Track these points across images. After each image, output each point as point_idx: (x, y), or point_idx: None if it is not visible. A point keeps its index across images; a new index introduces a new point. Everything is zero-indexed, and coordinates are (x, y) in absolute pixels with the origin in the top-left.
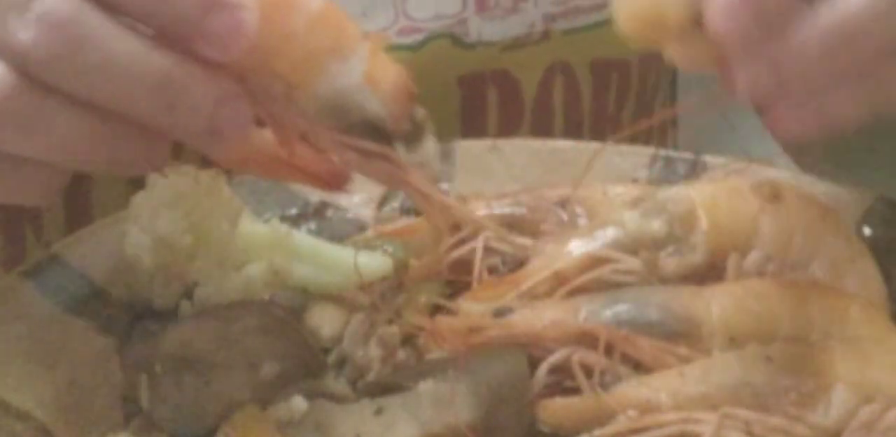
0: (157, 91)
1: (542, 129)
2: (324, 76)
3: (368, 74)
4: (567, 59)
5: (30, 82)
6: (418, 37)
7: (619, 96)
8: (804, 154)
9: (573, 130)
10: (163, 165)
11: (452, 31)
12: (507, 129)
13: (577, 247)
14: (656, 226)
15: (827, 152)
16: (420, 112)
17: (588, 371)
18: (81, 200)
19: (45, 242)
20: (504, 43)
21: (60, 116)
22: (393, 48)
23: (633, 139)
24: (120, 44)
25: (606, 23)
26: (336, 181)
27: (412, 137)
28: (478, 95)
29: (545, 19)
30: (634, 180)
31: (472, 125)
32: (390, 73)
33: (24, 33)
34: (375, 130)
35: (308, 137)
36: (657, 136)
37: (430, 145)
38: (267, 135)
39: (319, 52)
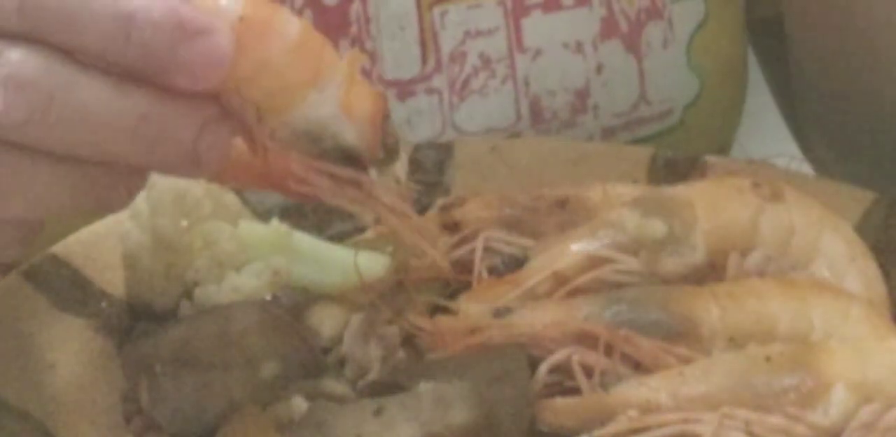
0: (136, 134)
1: None
2: (299, 106)
3: (344, 102)
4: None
5: (3, 146)
6: None
7: None
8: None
9: None
10: (138, 192)
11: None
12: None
13: (577, 247)
14: (656, 226)
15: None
16: (393, 132)
17: (588, 371)
18: None
19: None
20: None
21: (39, 175)
22: None
23: None
24: (90, 93)
25: (672, 130)
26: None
27: (385, 160)
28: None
29: (604, 133)
30: (634, 180)
31: None
32: (366, 99)
33: None
34: (349, 156)
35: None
36: None
37: (402, 163)
38: (238, 142)
39: (296, 83)
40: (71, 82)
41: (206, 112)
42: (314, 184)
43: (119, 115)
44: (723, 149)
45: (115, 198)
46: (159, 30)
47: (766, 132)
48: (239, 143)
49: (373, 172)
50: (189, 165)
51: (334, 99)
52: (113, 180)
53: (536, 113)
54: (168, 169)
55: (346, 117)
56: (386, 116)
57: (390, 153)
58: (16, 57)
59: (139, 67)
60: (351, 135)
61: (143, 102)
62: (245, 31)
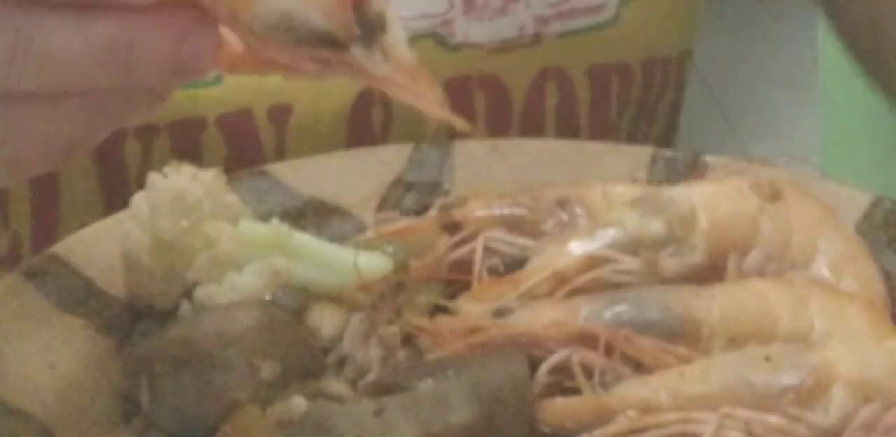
0: (108, 60)
1: (533, 135)
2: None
3: None
4: (561, 64)
5: None
6: None
7: (621, 103)
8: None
9: (568, 138)
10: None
11: (437, 31)
12: (496, 135)
13: (577, 247)
14: (656, 226)
15: None
16: (371, 8)
17: (588, 371)
18: (49, 187)
19: (12, 231)
20: (492, 46)
21: (32, 117)
22: None
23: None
24: (52, 32)
25: (605, 25)
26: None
27: (370, 33)
28: (465, 99)
29: (536, 22)
30: (634, 180)
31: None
32: None
33: None
34: (326, 39)
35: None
36: (659, 140)
37: (395, 32)
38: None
39: None
40: (31, 26)
41: (181, 22)
42: (303, 70)
43: (85, 46)
44: (676, 59)
45: (128, 112)
46: None
47: (766, 132)
48: (228, 36)
49: (361, 52)
50: (177, 75)
51: None
52: (112, 104)
53: (469, 1)
54: (157, 83)
55: (310, 5)
56: None
57: (372, 28)
58: None
59: None
60: (319, 19)
61: (106, 28)
62: None
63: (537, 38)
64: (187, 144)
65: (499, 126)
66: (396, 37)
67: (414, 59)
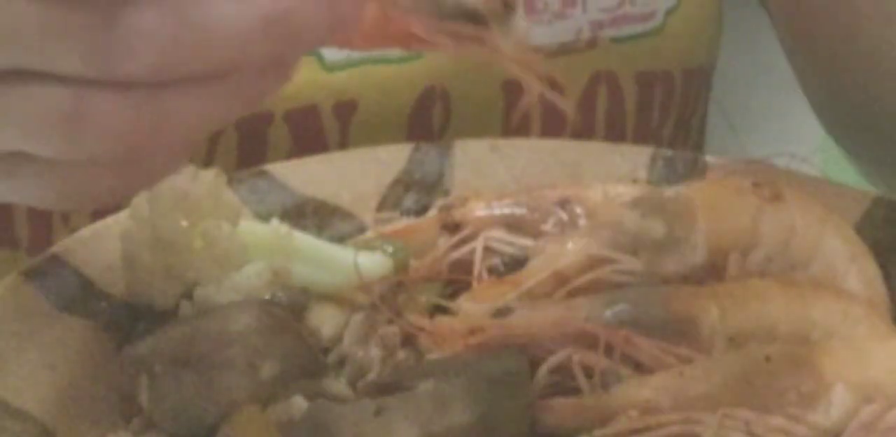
0: (270, 31)
1: (584, 139)
2: None
3: None
4: (613, 68)
5: (151, 90)
6: None
7: (663, 111)
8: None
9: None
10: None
11: None
12: (550, 137)
13: (577, 247)
14: (656, 226)
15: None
16: None
17: (588, 371)
18: None
19: (71, 227)
20: (550, 49)
21: (186, 104)
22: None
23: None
24: (210, 6)
25: (653, 33)
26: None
27: (504, 14)
28: (521, 101)
29: (593, 27)
30: (634, 180)
31: (515, 131)
32: None
33: (132, 58)
34: (469, 14)
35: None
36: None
37: (519, 19)
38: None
39: None
40: (184, 4)
41: None
42: (438, 43)
43: (244, 19)
44: (703, 67)
45: (267, 95)
46: None
47: (766, 132)
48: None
49: (495, 31)
50: (322, 44)
51: None
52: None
53: (530, 4)
54: (299, 55)
55: None
56: None
57: (508, 6)
58: (133, 9)
59: None
60: None
61: (260, 4)
62: None
63: (592, 43)
64: (254, 138)
65: (551, 130)
66: (521, 24)
67: (531, 42)
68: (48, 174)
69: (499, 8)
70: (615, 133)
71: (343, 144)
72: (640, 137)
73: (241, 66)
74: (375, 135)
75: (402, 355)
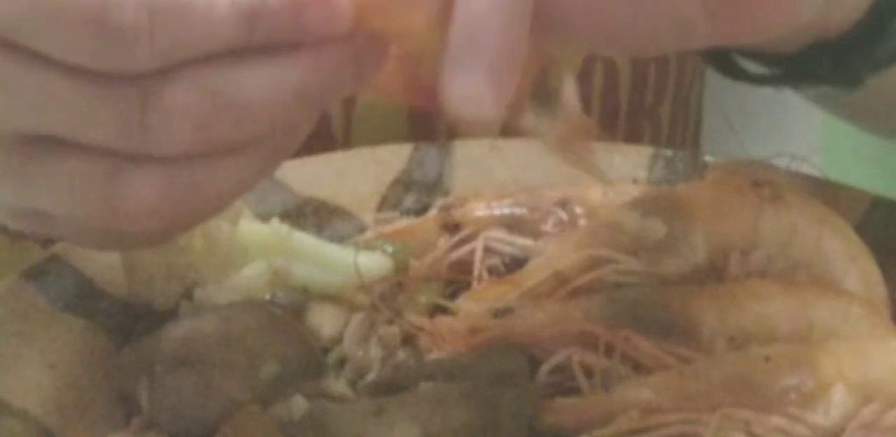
0: (301, 102)
1: None
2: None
3: None
4: None
5: (190, 164)
6: None
7: (658, 90)
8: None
9: (609, 119)
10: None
11: None
12: None
13: (577, 247)
14: (656, 226)
15: None
16: (552, 77)
17: (588, 372)
18: None
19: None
20: None
21: (222, 173)
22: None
23: (660, 138)
24: (244, 83)
25: None
26: None
27: (543, 98)
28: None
29: None
30: (634, 180)
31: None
32: None
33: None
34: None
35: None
36: (689, 136)
37: (568, 92)
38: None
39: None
40: (221, 82)
41: (353, 47)
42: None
43: (276, 92)
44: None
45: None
46: (280, 16)
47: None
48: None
49: (533, 118)
50: (341, 95)
51: None
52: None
53: None
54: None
55: None
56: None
57: (547, 97)
58: (168, 89)
59: (274, 39)
60: None
61: (298, 71)
62: None
63: None
64: None
65: None
66: (569, 96)
67: (580, 113)
68: (77, 232)
69: (524, 107)
70: (609, 109)
71: (345, 145)
72: (634, 116)
73: (274, 133)
74: (375, 135)
75: (402, 355)
